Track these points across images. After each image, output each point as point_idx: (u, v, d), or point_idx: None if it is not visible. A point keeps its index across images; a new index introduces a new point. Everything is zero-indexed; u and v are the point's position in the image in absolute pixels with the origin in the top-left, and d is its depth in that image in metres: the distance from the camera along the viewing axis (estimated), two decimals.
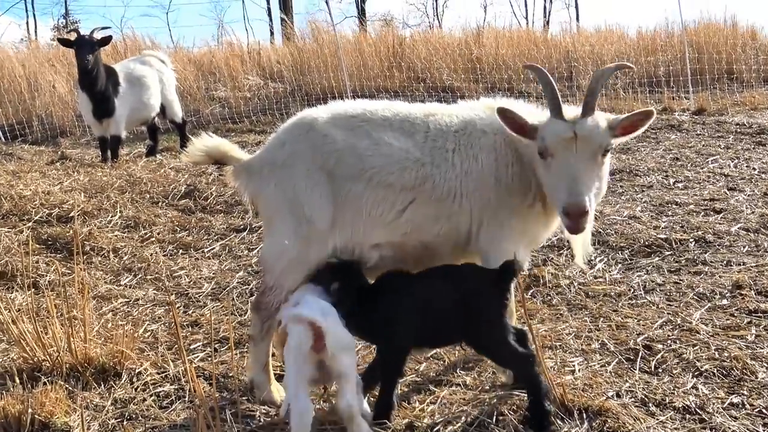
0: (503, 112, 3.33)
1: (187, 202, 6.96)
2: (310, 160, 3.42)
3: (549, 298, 4.69)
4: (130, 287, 5.13)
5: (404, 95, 12.60)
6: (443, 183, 3.43)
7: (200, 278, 5.23)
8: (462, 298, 3.12)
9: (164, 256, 5.71)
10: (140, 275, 5.33)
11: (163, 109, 9.72)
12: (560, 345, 3.97)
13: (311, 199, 3.39)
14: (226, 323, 4.39)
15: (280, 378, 3.61)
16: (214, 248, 5.88)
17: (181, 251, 5.84)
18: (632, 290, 4.71)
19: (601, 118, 3.30)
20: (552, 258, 5.36)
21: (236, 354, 3.99)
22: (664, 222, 5.88)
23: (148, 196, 7.07)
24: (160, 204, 6.89)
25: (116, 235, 6.05)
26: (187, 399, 3.50)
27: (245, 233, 6.17)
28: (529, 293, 4.74)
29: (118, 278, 5.28)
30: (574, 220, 3.15)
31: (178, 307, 4.75)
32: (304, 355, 2.85)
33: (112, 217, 6.42)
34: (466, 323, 3.11)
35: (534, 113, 3.56)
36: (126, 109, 9.15)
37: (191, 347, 4.14)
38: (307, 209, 3.39)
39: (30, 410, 3.21)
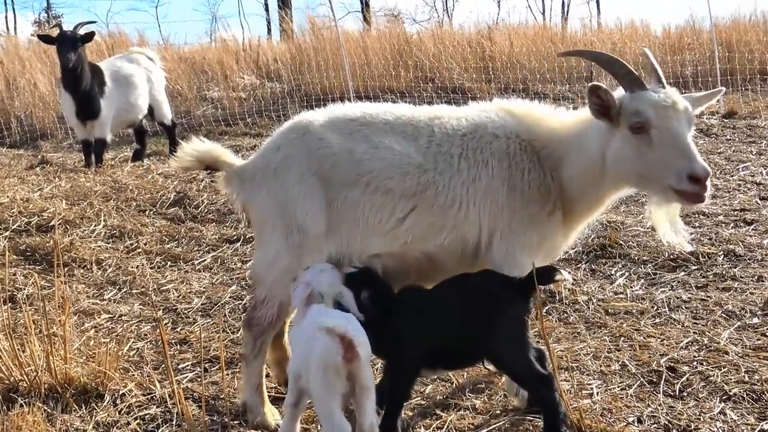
0: (596, 89, 3.30)
1: (176, 210, 6.98)
2: (305, 165, 3.46)
3: (566, 315, 4.69)
4: (114, 302, 5.14)
5: (411, 96, 12.63)
6: (447, 190, 3.45)
7: (190, 292, 5.25)
8: (481, 307, 3.16)
9: (151, 268, 5.72)
10: (125, 289, 5.34)
11: (151, 110, 9.76)
12: (577, 366, 3.97)
13: (304, 206, 3.43)
14: (217, 341, 4.40)
15: (274, 401, 3.63)
16: (205, 260, 5.90)
17: (169, 263, 5.85)
18: (656, 307, 4.72)
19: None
20: (569, 271, 5.31)
21: (228, 374, 3.99)
22: (690, 234, 5.88)
23: (134, 203, 7.09)
24: (147, 212, 6.90)
25: (100, 246, 6.06)
26: (174, 423, 3.50)
27: (238, 244, 6.19)
28: (545, 310, 4.74)
29: (102, 292, 5.29)
30: (703, 184, 3.14)
31: (165, 324, 4.76)
32: (336, 368, 2.83)
33: (95, 226, 6.43)
34: (484, 334, 3.14)
35: (554, 114, 3.62)
36: (112, 111, 9.20)
37: (179, 367, 4.15)
38: (299, 216, 3.42)
39: None
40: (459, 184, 3.46)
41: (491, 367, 3.72)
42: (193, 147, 3.59)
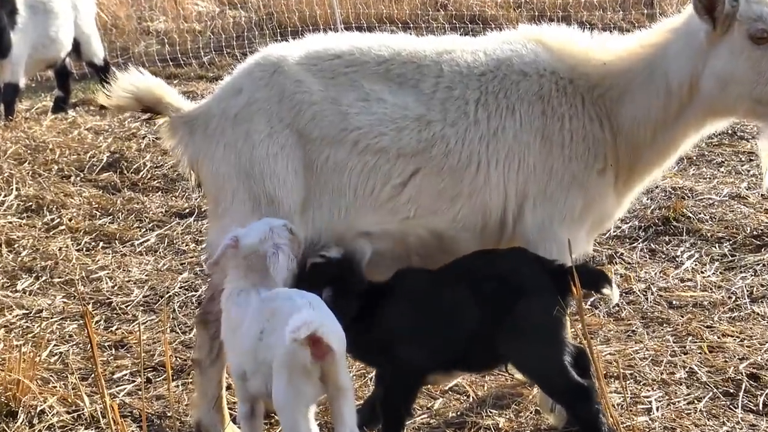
0: None
1: (110, 175, 6.94)
2: (275, 114, 3.47)
3: (617, 309, 4.69)
4: (30, 294, 5.13)
5: (417, 28, 12.52)
6: (461, 147, 3.45)
7: (128, 282, 5.25)
8: (503, 295, 3.17)
9: (78, 250, 5.70)
10: (45, 277, 5.33)
11: (77, 46, 9.68)
12: (632, 373, 3.97)
13: (275, 169, 3.43)
14: (163, 343, 4.39)
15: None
16: (148, 240, 5.89)
17: (101, 244, 5.84)
18: (733, 298, 4.72)
19: None
20: (622, 253, 5.35)
21: (177, 386, 3.99)
22: None
23: (56, 167, 7.04)
24: (72, 179, 6.87)
25: (11, 222, 6.05)
26: None
27: (191, 219, 6.18)
28: (589, 302, 4.72)
29: (14, 282, 5.28)
30: None
31: (97, 322, 4.75)
32: (304, 368, 2.85)
33: (5, 197, 6.42)
34: (507, 332, 3.16)
35: (600, 44, 3.63)
36: (26, 47, 9.13)
37: (114, 377, 4.16)
38: (268, 183, 3.43)
39: None
40: (476, 139, 3.46)
41: (518, 375, 3.75)
42: (130, 80, 3.59)
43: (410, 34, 4.10)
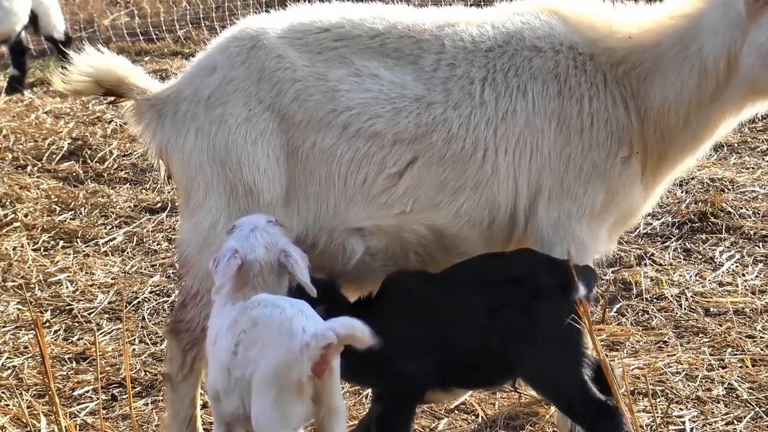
0: None
1: (71, 165, 6.98)
2: (254, 95, 3.47)
3: (646, 316, 4.69)
4: None
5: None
6: (465, 132, 3.43)
7: (91, 286, 5.24)
8: (512, 302, 3.16)
9: (35, 250, 5.72)
10: None
11: (34, 18, 9.72)
12: (663, 390, 3.98)
13: (253, 157, 3.43)
14: (129, 356, 4.37)
15: None
16: (114, 238, 5.90)
17: (61, 243, 5.85)
18: None
19: None
20: (652, 253, 5.31)
21: (145, 404, 3.99)
22: None
23: (10, 156, 7.08)
24: (29, 169, 6.91)
25: None
26: None
27: (163, 215, 6.20)
28: (615, 309, 4.72)
29: None
30: None
31: (55, 332, 4.76)
32: (298, 385, 2.83)
33: None
34: (516, 344, 3.15)
35: (624, 15, 3.58)
36: None
37: (75, 393, 4.16)
38: (246, 172, 3.43)
39: None
40: (483, 123, 3.44)
41: (531, 392, 3.75)
42: (88, 61, 3.58)
43: (409, 5, 4.11)
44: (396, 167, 3.43)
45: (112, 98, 3.75)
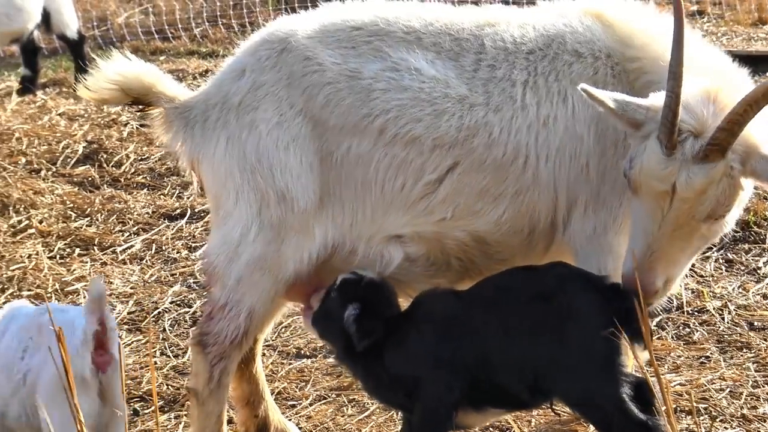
0: None
1: (87, 170, 7.00)
2: (285, 99, 3.46)
3: (688, 330, 4.69)
4: None
5: None
6: (506, 137, 3.42)
7: (109, 295, 5.21)
8: (546, 319, 3.16)
9: (50, 258, 5.73)
10: (11, 290, 5.33)
11: (46, 16, 9.71)
12: (706, 408, 3.97)
13: (285, 163, 3.43)
14: (151, 369, 4.38)
15: None
16: (132, 246, 5.90)
17: (78, 251, 5.86)
18: None
19: None
20: (693, 264, 5.22)
21: (168, 419, 4.00)
22: None
23: (23, 160, 7.10)
24: (43, 173, 6.92)
25: None
26: None
27: (183, 221, 6.20)
28: (654, 322, 4.70)
29: None
30: None
31: None
32: (80, 381, 2.96)
33: None
34: (554, 361, 3.14)
35: (663, 29, 3.46)
36: None
37: None
38: (278, 179, 3.43)
39: None
40: (524, 128, 3.44)
41: (567, 410, 3.73)
42: (114, 68, 3.58)
43: (446, 3, 4.10)
44: (435, 173, 3.44)
45: (139, 107, 3.73)
